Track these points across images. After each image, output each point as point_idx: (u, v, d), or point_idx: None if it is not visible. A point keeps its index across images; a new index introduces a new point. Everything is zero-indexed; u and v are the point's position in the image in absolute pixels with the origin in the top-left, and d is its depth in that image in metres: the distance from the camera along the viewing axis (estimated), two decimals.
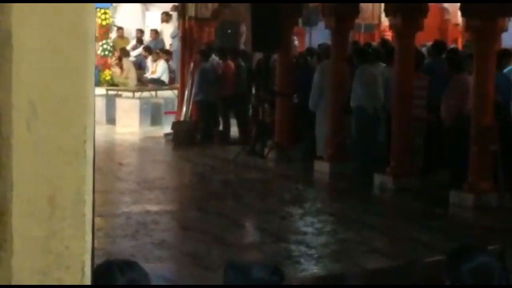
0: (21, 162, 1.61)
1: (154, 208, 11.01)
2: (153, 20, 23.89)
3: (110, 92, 19.57)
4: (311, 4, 17.44)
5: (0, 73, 1.60)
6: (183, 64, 17.93)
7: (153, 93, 20.06)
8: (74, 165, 1.65)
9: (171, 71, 20.92)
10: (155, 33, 22.98)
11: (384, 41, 16.57)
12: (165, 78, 20.70)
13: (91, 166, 1.67)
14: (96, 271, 2.74)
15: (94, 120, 1.69)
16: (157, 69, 20.74)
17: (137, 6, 23.98)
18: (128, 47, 22.01)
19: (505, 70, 12.08)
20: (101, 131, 15.76)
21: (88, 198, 1.68)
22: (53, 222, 1.64)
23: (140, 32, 22.89)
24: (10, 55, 1.59)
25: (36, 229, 1.63)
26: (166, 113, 18.95)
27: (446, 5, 21.32)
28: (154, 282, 3.57)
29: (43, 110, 1.63)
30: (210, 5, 17.29)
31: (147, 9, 24.30)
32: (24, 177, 1.61)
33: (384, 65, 13.24)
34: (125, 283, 3.34)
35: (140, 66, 21.51)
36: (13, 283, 1.60)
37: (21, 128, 1.61)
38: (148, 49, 21.63)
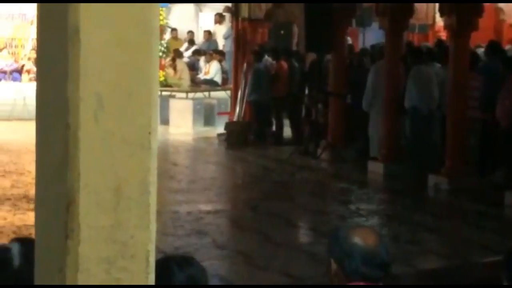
0: (88, 154, 1.65)
1: (207, 207, 11.08)
2: (206, 21, 24.01)
3: (164, 93, 19.71)
4: (364, 4, 17.38)
5: (68, 67, 1.65)
6: (236, 65, 17.99)
7: (206, 93, 20.17)
8: (139, 157, 1.69)
9: (224, 72, 21.01)
10: (208, 34, 23.10)
11: (439, 41, 16.46)
12: (218, 79, 20.79)
13: (155, 157, 1.71)
14: (155, 267, 2.77)
15: (158, 113, 1.73)
16: (210, 70, 20.84)
17: (191, 7, 24.13)
18: (182, 49, 22.16)
19: None
20: None
21: (153, 189, 1.71)
22: (119, 212, 1.68)
23: (191, 33, 23.03)
24: (78, 49, 1.64)
25: (103, 218, 1.67)
26: (219, 113, 19.03)
27: (501, 5, 21.10)
28: (209, 280, 3.59)
29: (110, 102, 1.67)
30: (263, 6, 17.33)
31: (200, 10, 24.43)
32: (91, 168, 1.66)
33: (439, 65, 13.16)
34: (183, 279, 3.37)
35: (193, 67, 21.63)
36: (80, 271, 1.65)
37: (88, 121, 1.65)
38: (198, 53, 21.78)
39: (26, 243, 3.33)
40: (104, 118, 1.66)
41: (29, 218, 10.00)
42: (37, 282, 1.81)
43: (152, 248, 1.71)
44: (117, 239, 1.68)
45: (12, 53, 21.59)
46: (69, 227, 1.65)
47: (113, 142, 1.67)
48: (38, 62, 1.83)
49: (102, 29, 1.65)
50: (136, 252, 1.70)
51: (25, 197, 11.02)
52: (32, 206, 10.50)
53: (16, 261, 3.15)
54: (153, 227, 1.72)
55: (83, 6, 1.60)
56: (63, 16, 1.64)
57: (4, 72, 20.60)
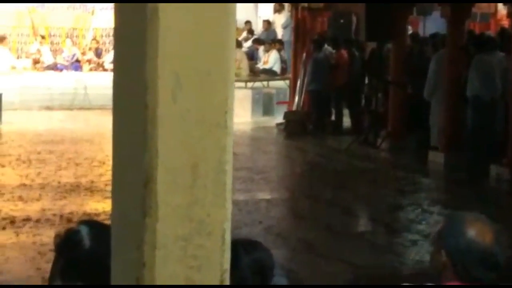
0: (165, 132, 1.68)
1: (266, 196, 11.11)
2: (265, 10, 24.03)
3: None
4: None
5: (147, 46, 1.67)
6: (296, 54, 17.99)
7: (265, 83, 20.20)
8: (216, 135, 1.71)
9: (283, 61, 21.01)
10: (267, 23, 23.12)
11: (502, 30, 16.25)
12: (277, 68, 20.80)
13: (232, 136, 1.72)
14: None
15: (234, 92, 1.76)
16: (269, 59, 20.86)
17: None
18: (240, 38, 22.21)
19: None
20: None
21: (229, 168, 1.73)
22: (196, 190, 1.70)
23: (250, 23, 23.06)
24: (156, 28, 1.66)
25: (180, 196, 1.69)
26: (278, 103, 19.05)
27: None
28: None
29: (187, 81, 1.69)
30: None
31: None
32: (168, 147, 1.68)
33: (502, 54, 12.99)
34: (249, 262, 3.40)
35: (252, 56, 21.68)
36: (158, 248, 1.67)
37: (166, 99, 1.68)
38: (258, 42, 21.80)
39: (93, 225, 3.41)
40: (181, 97, 1.68)
41: (91, 205, 10.14)
42: (114, 258, 1.84)
43: (228, 226, 1.73)
44: (193, 217, 1.70)
45: (74, 43, 21.85)
46: (147, 205, 1.68)
47: (190, 121, 1.69)
48: (116, 43, 1.86)
49: (181, 9, 1.67)
50: (213, 230, 1.72)
51: (85, 185, 11.17)
52: (93, 194, 10.65)
53: (86, 242, 3.22)
54: (229, 205, 1.74)
55: None
56: None
57: (66, 66, 20.87)
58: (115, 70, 1.85)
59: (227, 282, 1.74)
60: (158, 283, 1.68)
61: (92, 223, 3.47)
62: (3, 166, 12.46)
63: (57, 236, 3.31)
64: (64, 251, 3.25)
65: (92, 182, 11.39)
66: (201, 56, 1.69)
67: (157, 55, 1.66)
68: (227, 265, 1.74)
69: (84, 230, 3.25)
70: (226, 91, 1.72)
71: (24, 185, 11.08)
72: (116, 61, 1.85)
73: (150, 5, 1.65)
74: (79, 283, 3.18)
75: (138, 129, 1.70)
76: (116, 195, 1.83)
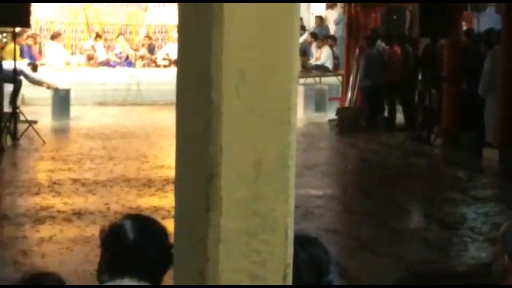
0: (230, 128, 1.69)
1: (318, 192, 11.10)
2: (317, 6, 23.97)
3: None
4: None
5: (212, 43, 1.69)
6: (348, 50, 17.92)
7: (317, 79, 20.16)
8: (279, 131, 1.72)
9: (335, 57, 20.95)
10: (320, 19, 23.07)
11: None
12: (329, 64, 20.75)
13: (295, 132, 1.73)
14: None
15: (297, 88, 1.76)
16: (322, 55, 20.82)
17: None
18: None
19: None
20: None
21: (292, 163, 1.74)
22: (259, 185, 1.71)
23: (301, 19, 23.01)
24: (221, 25, 1.68)
25: (243, 191, 1.71)
26: (330, 99, 19.00)
27: None
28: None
29: (251, 78, 1.70)
30: None
31: None
32: (232, 142, 1.70)
33: None
34: (305, 258, 3.40)
35: (304, 52, 21.65)
36: (222, 243, 1.69)
37: (230, 95, 1.69)
38: (314, 36, 21.74)
39: (137, 219, 3.45)
40: (245, 93, 1.70)
41: (145, 200, 10.23)
42: (176, 252, 1.87)
43: (291, 221, 1.74)
44: (257, 212, 1.72)
45: (127, 39, 22.02)
46: (211, 199, 1.70)
47: (254, 117, 1.71)
48: (180, 40, 1.88)
49: (245, 6, 1.69)
50: (276, 225, 1.73)
51: (139, 180, 11.26)
52: (146, 189, 10.74)
53: (130, 235, 3.26)
54: (292, 200, 1.75)
55: None
56: None
57: (118, 63, 21.04)
58: (179, 66, 1.87)
59: (290, 277, 1.76)
60: (221, 277, 1.69)
61: (137, 217, 3.51)
62: (59, 160, 12.63)
63: (102, 230, 3.36)
64: (109, 245, 3.29)
65: (145, 177, 11.48)
66: (265, 52, 1.71)
67: (222, 52, 1.68)
68: (290, 260, 1.75)
69: (128, 224, 3.29)
70: (289, 87, 1.73)
71: (79, 180, 11.21)
72: (180, 57, 1.87)
73: (215, 3, 1.67)
74: (126, 278, 3.22)
75: (202, 125, 1.72)
76: (180, 190, 1.85)
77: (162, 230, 3.44)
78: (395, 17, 18.41)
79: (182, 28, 1.84)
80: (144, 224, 3.43)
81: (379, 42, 17.12)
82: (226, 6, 1.67)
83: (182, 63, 1.86)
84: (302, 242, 3.45)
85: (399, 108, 16.75)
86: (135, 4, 22.18)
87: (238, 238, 1.70)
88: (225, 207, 1.69)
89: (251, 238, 1.71)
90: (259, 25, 1.70)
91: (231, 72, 1.68)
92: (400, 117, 16.62)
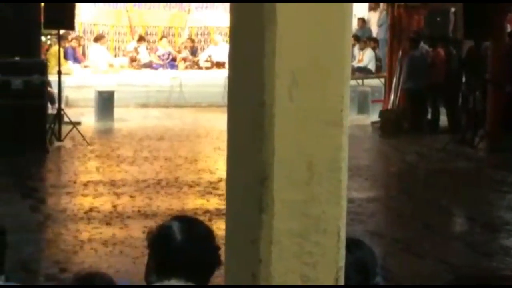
0: (282, 130, 1.69)
1: (361, 195, 11.05)
2: (360, 8, 23.88)
3: None
4: None
5: (265, 45, 1.69)
6: (391, 52, 17.83)
7: (359, 81, 20.09)
8: (331, 133, 1.72)
9: (377, 59, 20.86)
10: (362, 21, 22.98)
11: None
12: (371, 66, 20.67)
13: (347, 134, 1.73)
14: None
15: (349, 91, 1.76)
16: (364, 57, 20.75)
17: None
18: None
19: None
20: None
21: (344, 166, 1.74)
22: (311, 187, 1.71)
23: None
24: (275, 27, 1.68)
25: (296, 193, 1.71)
26: (373, 101, 18.91)
27: None
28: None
29: (304, 80, 1.70)
30: None
31: None
32: (285, 144, 1.70)
33: None
34: (352, 261, 3.38)
35: None
36: (274, 244, 1.69)
37: (283, 97, 1.69)
38: (356, 38, 21.66)
39: (184, 220, 3.46)
40: (298, 95, 1.70)
41: (187, 201, 10.26)
42: (227, 252, 1.87)
43: (343, 223, 1.74)
44: (309, 213, 1.72)
45: (169, 42, 22.13)
46: (264, 201, 1.70)
47: (306, 119, 1.71)
48: (232, 41, 1.88)
49: (298, 8, 1.69)
50: (328, 227, 1.73)
51: (180, 182, 11.30)
52: (189, 190, 10.78)
53: (177, 237, 3.27)
54: (344, 202, 1.74)
55: None
56: None
57: (161, 65, 21.15)
58: (230, 67, 1.87)
59: (342, 279, 1.75)
60: (274, 279, 1.69)
61: (184, 219, 3.53)
62: (102, 162, 12.73)
63: (149, 232, 3.38)
64: (157, 246, 3.31)
65: (188, 179, 11.52)
66: (318, 54, 1.71)
67: (274, 54, 1.68)
68: (342, 262, 1.75)
69: (175, 226, 3.30)
70: (341, 89, 1.73)
71: (122, 181, 11.29)
72: (232, 58, 1.87)
73: (268, 3, 1.67)
74: (173, 279, 3.24)
75: (254, 127, 1.72)
76: (232, 192, 1.86)
77: (209, 232, 3.46)
78: (438, 19, 18.25)
79: (234, 29, 1.85)
80: (191, 225, 3.45)
81: (422, 44, 17.01)
82: (279, 7, 1.67)
83: (234, 64, 1.86)
84: (349, 244, 3.44)
85: (442, 110, 16.63)
86: (178, 6, 22.29)
87: (290, 240, 1.70)
88: (277, 209, 1.70)
89: (303, 240, 1.71)
90: (312, 27, 1.70)
91: (283, 74, 1.69)
92: (443, 120, 16.49)
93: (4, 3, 13.25)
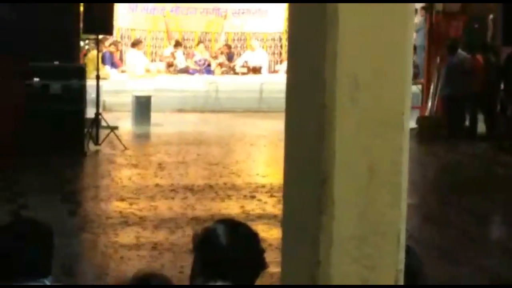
0: (343, 132, 1.70)
1: None
2: None
3: None
4: None
5: (326, 48, 1.70)
6: (429, 58, 17.75)
7: None
8: (392, 137, 1.72)
9: (414, 66, 20.77)
10: None
11: None
12: None
13: (408, 138, 1.73)
14: None
15: (411, 95, 1.76)
16: None
17: None
18: None
19: None
20: None
21: (404, 169, 1.74)
22: (371, 190, 1.71)
23: None
24: (336, 31, 1.68)
25: (356, 196, 1.71)
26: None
27: None
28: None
29: (365, 83, 1.71)
30: None
31: None
32: (345, 147, 1.70)
33: None
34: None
35: None
36: (333, 246, 1.69)
37: (344, 100, 1.70)
38: None
39: (230, 224, 3.48)
40: (359, 98, 1.70)
41: (221, 206, 10.28)
42: (285, 255, 1.87)
43: (402, 227, 1.74)
44: (369, 216, 1.72)
45: (206, 47, 22.19)
46: (324, 203, 1.70)
47: (367, 122, 1.71)
48: (291, 43, 1.88)
49: (359, 11, 1.69)
50: (387, 230, 1.73)
51: (217, 187, 11.32)
52: (225, 195, 10.79)
53: (222, 239, 3.29)
54: (404, 206, 1.74)
55: None
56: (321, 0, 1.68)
57: (197, 70, 21.23)
58: (289, 69, 1.88)
59: (401, 283, 1.75)
60: (333, 281, 1.69)
61: (229, 222, 3.54)
62: (139, 166, 12.79)
63: (195, 235, 3.39)
64: (202, 249, 3.33)
65: (225, 183, 11.54)
66: (379, 57, 1.71)
67: (336, 56, 1.68)
68: (401, 265, 1.74)
69: (220, 229, 3.32)
70: (403, 92, 1.73)
71: (159, 185, 11.33)
72: (291, 61, 1.88)
73: (329, 6, 1.67)
74: (219, 282, 3.25)
75: (315, 129, 1.72)
76: (290, 193, 1.86)
77: (254, 234, 3.47)
78: (476, 25, 18.16)
79: (294, 31, 1.85)
80: (236, 228, 3.46)
81: (460, 50, 16.92)
82: (341, 9, 1.67)
83: (293, 67, 1.87)
84: None
85: (480, 117, 16.52)
86: (214, 12, 22.35)
87: (349, 243, 1.71)
88: (337, 211, 1.70)
89: (362, 242, 1.71)
90: (373, 29, 1.70)
91: (344, 76, 1.69)
92: (481, 127, 16.38)
93: (43, 8, 13.37)
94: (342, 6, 1.67)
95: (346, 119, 1.69)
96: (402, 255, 1.75)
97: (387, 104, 1.72)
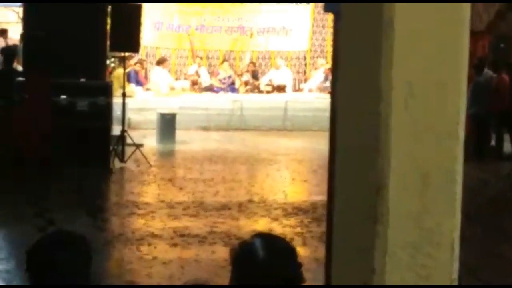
0: (398, 141, 1.70)
1: None
2: None
3: None
4: None
5: (381, 57, 1.70)
6: None
7: None
8: (447, 145, 1.72)
9: None
10: None
11: None
12: None
13: (462, 147, 1.73)
14: None
15: (465, 105, 1.76)
16: None
17: None
18: None
19: None
20: None
21: (459, 178, 1.74)
22: (426, 198, 1.71)
23: None
24: (392, 40, 1.69)
25: (410, 204, 1.71)
26: None
27: None
28: None
29: (420, 91, 1.71)
30: (484, 17, 16.99)
31: None
32: (400, 155, 1.70)
33: None
34: None
35: None
36: (388, 255, 1.69)
37: (399, 108, 1.70)
38: None
39: (267, 238, 3.47)
40: (414, 106, 1.70)
41: (247, 223, 10.27)
42: (336, 263, 1.87)
43: (457, 236, 1.73)
44: (423, 225, 1.71)
45: (230, 65, 22.26)
46: (379, 211, 1.70)
47: (421, 130, 1.71)
48: (341, 51, 1.89)
49: (415, 20, 1.70)
50: (442, 239, 1.73)
51: (241, 204, 11.33)
52: (250, 213, 10.79)
53: (260, 253, 3.28)
54: (459, 215, 1.74)
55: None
56: (376, 8, 1.69)
57: (222, 88, 21.29)
58: (340, 77, 1.88)
59: None
60: None
61: (266, 236, 3.53)
62: (165, 183, 12.82)
63: (232, 249, 3.39)
64: (240, 263, 3.32)
65: (249, 201, 11.55)
66: (434, 66, 1.71)
67: (392, 65, 1.68)
68: (455, 274, 1.74)
69: (258, 243, 3.31)
70: (458, 102, 1.73)
71: (184, 202, 11.35)
72: (342, 69, 1.88)
73: (385, 16, 1.68)
74: None
75: (369, 137, 1.72)
76: (341, 201, 1.86)
77: (292, 249, 3.46)
78: (502, 45, 18.13)
79: (345, 40, 1.85)
80: (274, 242, 3.46)
81: (486, 69, 16.88)
82: (397, 18, 1.68)
83: (343, 75, 1.87)
84: None
85: (506, 137, 16.45)
86: (239, 30, 22.42)
87: (403, 251, 1.70)
88: (392, 220, 1.69)
89: (416, 251, 1.71)
90: (428, 38, 1.70)
91: (400, 85, 1.69)
92: (507, 146, 16.31)
93: (71, 26, 13.47)
94: (398, 17, 1.67)
95: (401, 128, 1.70)
96: (456, 265, 1.75)
97: (442, 113, 1.72)
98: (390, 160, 1.69)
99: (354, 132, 1.81)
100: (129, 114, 17.42)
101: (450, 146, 1.72)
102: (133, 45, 14.50)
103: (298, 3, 22.34)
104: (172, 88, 20.91)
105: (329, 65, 22.23)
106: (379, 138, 1.70)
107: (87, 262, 3.39)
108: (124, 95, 14.73)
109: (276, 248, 3.42)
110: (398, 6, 1.64)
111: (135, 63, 20.51)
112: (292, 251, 3.45)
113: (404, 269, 1.70)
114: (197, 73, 21.63)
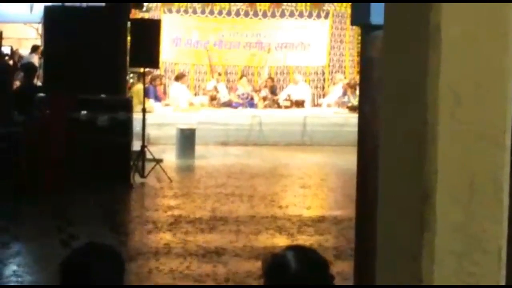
0: (444, 149, 1.70)
1: None
2: None
3: None
4: None
5: (428, 64, 1.71)
6: None
7: None
8: (494, 153, 1.73)
9: None
10: None
11: None
12: None
13: (509, 154, 1.73)
14: None
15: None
16: None
17: None
18: None
19: None
20: None
21: (506, 186, 1.74)
22: (473, 206, 1.72)
23: None
24: (438, 47, 1.70)
25: (457, 212, 1.71)
26: None
27: None
28: None
29: (466, 99, 1.72)
30: None
31: None
32: (447, 162, 1.71)
33: None
34: None
35: None
36: (436, 262, 1.69)
37: (445, 116, 1.71)
38: None
39: (299, 250, 3.49)
40: (460, 114, 1.71)
41: (267, 239, 10.27)
42: (379, 270, 1.87)
43: (504, 243, 1.73)
44: (470, 232, 1.72)
45: (249, 81, 22.29)
46: (426, 219, 1.70)
47: (468, 138, 1.72)
48: (386, 60, 1.89)
49: (461, 27, 1.71)
50: (488, 246, 1.73)
51: (262, 219, 11.32)
52: (265, 226, 10.79)
53: (293, 265, 3.30)
54: (505, 222, 1.74)
55: (444, 5, 1.66)
56: (423, 14, 1.70)
57: (240, 104, 21.33)
58: (385, 86, 1.89)
59: None
60: None
61: (299, 248, 3.55)
62: (185, 198, 12.84)
63: (264, 261, 3.41)
64: (272, 275, 3.34)
65: (269, 216, 11.54)
66: (481, 74, 1.72)
67: (439, 73, 1.69)
68: (503, 282, 1.74)
69: (290, 255, 3.33)
70: (504, 110, 1.74)
71: (205, 217, 11.36)
72: (388, 77, 1.89)
73: (432, 22, 1.69)
74: None
75: (416, 145, 1.73)
76: (387, 209, 1.86)
77: (323, 260, 3.47)
78: None
79: (390, 49, 1.86)
80: (306, 254, 3.47)
81: None
82: (444, 26, 1.69)
83: (390, 83, 1.88)
84: None
85: None
86: (257, 46, 22.48)
87: (451, 259, 1.70)
88: (439, 227, 1.70)
89: (463, 259, 1.71)
90: (475, 46, 1.71)
91: (446, 93, 1.70)
92: None
93: (92, 41, 13.56)
94: (445, 24, 1.68)
95: (447, 135, 1.70)
96: (503, 272, 1.75)
97: (488, 121, 1.73)
98: (437, 168, 1.70)
99: (400, 141, 1.82)
100: (148, 130, 17.46)
101: (496, 153, 1.73)
102: (153, 60, 14.57)
103: (317, 18, 22.40)
104: (191, 104, 20.96)
105: (347, 80, 22.23)
106: (425, 146, 1.70)
107: (120, 273, 3.41)
108: (144, 110, 14.78)
109: (308, 260, 3.43)
110: (445, 12, 1.65)
111: (154, 79, 20.59)
112: (324, 263, 3.46)
113: (452, 277, 1.70)
114: (215, 88, 21.67)
